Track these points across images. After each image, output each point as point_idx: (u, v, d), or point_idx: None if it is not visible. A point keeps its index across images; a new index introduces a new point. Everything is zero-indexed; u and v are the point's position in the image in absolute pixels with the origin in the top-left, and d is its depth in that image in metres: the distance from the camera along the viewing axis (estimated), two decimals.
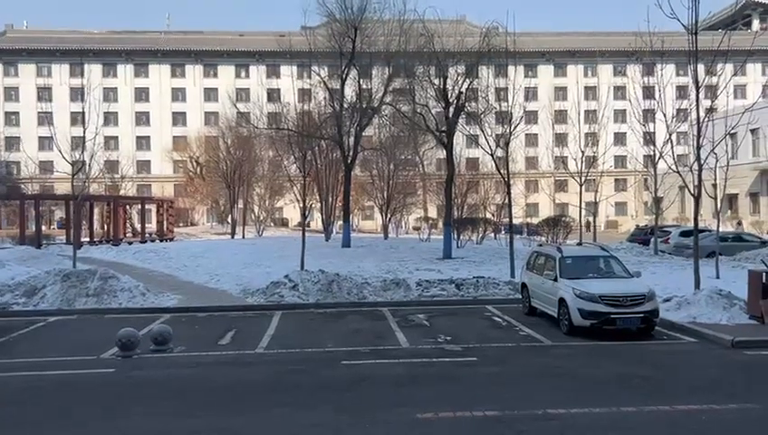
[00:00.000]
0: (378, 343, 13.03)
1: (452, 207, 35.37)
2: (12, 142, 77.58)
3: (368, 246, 36.52)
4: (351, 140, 38.34)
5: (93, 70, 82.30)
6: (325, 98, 41.34)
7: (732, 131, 38.02)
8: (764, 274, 14.41)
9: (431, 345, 12.89)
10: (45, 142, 71.12)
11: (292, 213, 72.28)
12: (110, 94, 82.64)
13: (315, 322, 15.80)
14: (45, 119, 68.37)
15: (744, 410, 8.53)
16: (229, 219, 58.32)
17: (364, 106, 38.13)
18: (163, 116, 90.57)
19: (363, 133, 40.25)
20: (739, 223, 50.94)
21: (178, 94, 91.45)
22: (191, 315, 16.93)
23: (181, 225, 70.19)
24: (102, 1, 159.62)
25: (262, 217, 60.19)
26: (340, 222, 42.45)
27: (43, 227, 49.48)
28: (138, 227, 54.73)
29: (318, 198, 47.38)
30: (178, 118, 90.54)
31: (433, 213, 61.37)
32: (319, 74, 41.20)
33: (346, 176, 39.10)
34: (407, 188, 54.32)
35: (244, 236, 52.25)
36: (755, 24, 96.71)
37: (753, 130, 52.83)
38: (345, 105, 38.43)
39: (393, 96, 37.61)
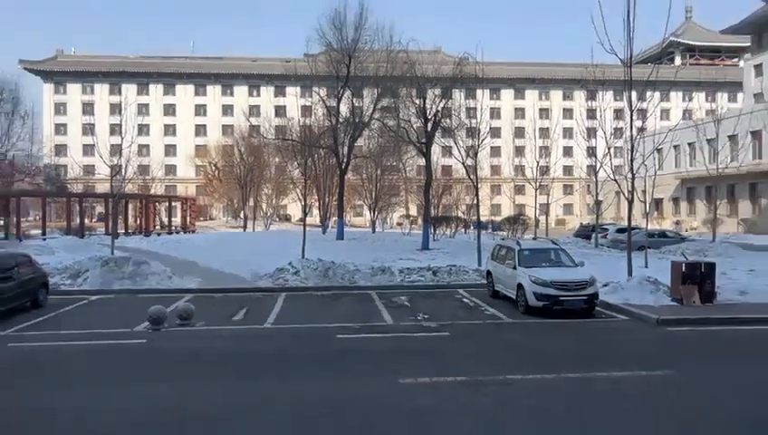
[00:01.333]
0: (367, 321, 12.96)
1: (429, 206, 35.44)
2: (60, 149, 76.70)
3: (358, 238, 36.47)
4: (345, 149, 38.37)
5: (129, 89, 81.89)
6: (324, 114, 41.40)
7: (658, 147, 38.26)
8: (683, 264, 14.52)
9: (412, 322, 12.85)
10: (88, 149, 70.26)
11: (294, 210, 71.99)
12: (143, 109, 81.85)
13: (314, 302, 15.69)
14: (89, 129, 67.84)
15: (666, 376, 8.63)
16: (241, 215, 58.10)
17: (356, 121, 38.22)
18: (187, 128, 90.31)
19: (355, 144, 40.29)
20: (677, 223, 50.61)
21: (200, 110, 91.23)
22: (210, 296, 16.76)
23: (201, 219, 69.78)
24: (136, 29, 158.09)
25: (269, 214, 59.98)
26: (335, 218, 42.33)
27: (86, 221, 48.97)
28: (165, 220, 54.37)
29: (316, 197, 47.34)
30: (200, 129, 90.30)
31: (413, 211, 61.42)
32: (319, 94, 41.19)
33: (340, 179, 39.08)
34: (391, 190, 54.38)
35: (254, 229, 52.09)
36: (677, 60, 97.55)
37: (675, 147, 53.40)
38: (340, 120, 38.48)
39: (381, 113, 37.68)
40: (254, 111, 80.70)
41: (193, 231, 50.74)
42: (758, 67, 60.31)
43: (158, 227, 51.58)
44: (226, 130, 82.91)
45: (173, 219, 54.54)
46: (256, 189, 56.36)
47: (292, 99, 62.18)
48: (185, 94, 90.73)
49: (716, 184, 36.74)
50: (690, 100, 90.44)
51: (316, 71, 39.98)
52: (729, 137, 42.09)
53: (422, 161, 36.74)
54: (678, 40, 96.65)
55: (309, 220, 30.99)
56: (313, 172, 41.85)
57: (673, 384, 8.28)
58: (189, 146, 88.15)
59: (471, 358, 9.88)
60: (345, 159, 38.33)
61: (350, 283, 18.34)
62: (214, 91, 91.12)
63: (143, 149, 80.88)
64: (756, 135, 43.12)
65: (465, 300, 15.95)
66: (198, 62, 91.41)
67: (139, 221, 50.28)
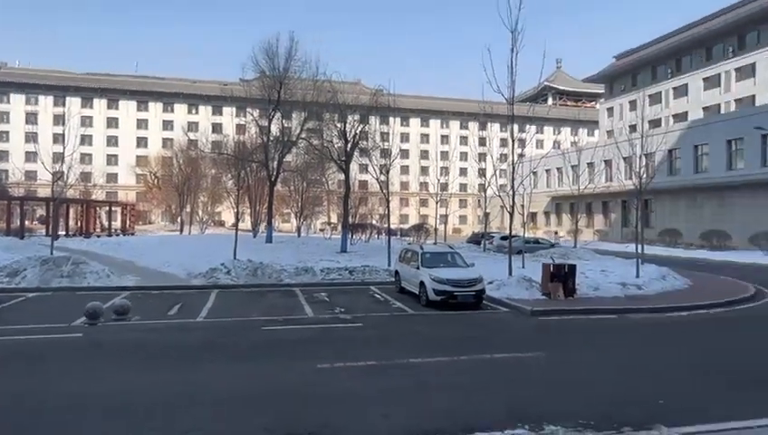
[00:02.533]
0: (290, 314, 12.65)
1: (348, 215, 35.32)
2: (2, 155, 69.87)
3: (285, 242, 35.63)
4: (275, 163, 37.51)
5: (73, 102, 75.87)
6: (256, 132, 40.32)
7: (534, 170, 40.25)
8: (552, 265, 15.17)
9: (330, 315, 12.67)
10: (31, 156, 64.46)
11: (228, 216, 69.33)
12: (86, 121, 76.37)
13: (243, 298, 15.10)
14: (31, 138, 62.13)
15: (537, 357, 9.01)
16: (179, 220, 55.18)
17: (285, 139, 37.51)
18: (129, 140, 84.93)
19: (284, 159, 39.49)
20: (556, 232, 51.47)
21: (142, 124, 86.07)
22: (146, 293, 15.69)
23: (141, 223, 65.63)
24: (83, 44, 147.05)
25: (204, 219, 57.43)
26: (265, 224, 41.21)
27: (27, 223, 44.65)
28: (105, 224, 50.55)
29: (248, 205, 45.93)
30: (141, 141, 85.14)
31: (334, 219, 61.03)
32: (252, 115, 40.12)
33: (270, 190, 38.15)
34: (315, 201, 53.83)
35: (190, 233, 49.60)
36: (550, 101, 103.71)
37: (547, 170, 56.68)
38: (271, 138, 37.61)
39: (307, 133, 37.25)
40: (193, 126, 77.17)
41: (132, 234, 47.54)
42: (610, 109, 65.43)
43: (98, 230, 47.85)
44: (167, 142, 78.72)
45: (113, 223, 50.81)
46: (193, 197, 53.78)
47: (228, 118, 60.14)
48: (128, 109, 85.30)
49: (578, 201, 39.22)
50: (559, 133, 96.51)
51: (250, 94, 38.96)
52: (588, 164, 45.22)
53: (342, 176, 36.66)
54: (551, 85, 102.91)
55: (241, 226, 29.89)
56: (246, 183, 40.58)
57: (542, 361, 8.71)
58: (131, 156, 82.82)
59: (379, 345, 9.90)
60: (275, 173, 37.49)
61: (276, 281, 17.86)
62: (155, 107, 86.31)
63: (86, 158, 75.17)
64: (608, 163, 46.63)
65: (376, 295, 15.95)
66: (142, 81, 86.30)
67: (79, 224, 46.50)
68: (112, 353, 9.03)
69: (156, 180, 67.87)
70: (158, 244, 32.67)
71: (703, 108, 52.13)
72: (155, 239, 39.35)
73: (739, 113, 41.26)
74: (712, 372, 8.19)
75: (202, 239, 38.88)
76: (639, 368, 8.45)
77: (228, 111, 71.58)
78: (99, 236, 40.97)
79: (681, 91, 55.32)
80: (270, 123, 37.57)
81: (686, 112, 53.31)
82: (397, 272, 16.91)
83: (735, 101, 49.01)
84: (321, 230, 57.65)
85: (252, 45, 74.14)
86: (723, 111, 48.19)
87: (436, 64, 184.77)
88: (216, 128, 75.48)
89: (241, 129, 44.87)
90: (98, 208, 52.26)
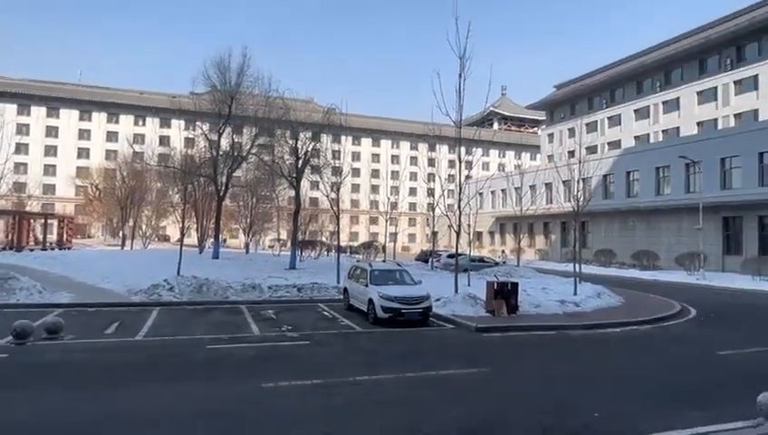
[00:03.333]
0: (236, 332, 12.22)
1: (297, 231, 34.87)
2: None
3: (232, 258, 34.68)
4: (224, 178, 36.57)
5: (8, 109, 71.45)
6: (205, 146, 39.13)
7: (480, 191, 41.17)
8: (495, 283, 15.53)
9: (276, 333, 12.33)
10: None
11: (173, 231, 66.87)
12: (23, 129, 72.01)
13: (187, 316, 14.48)
14: None
15: (481, 372, 9.12)
16: (120, 234, 52.58)
17: (235, 154, 36.64)
18: (69, 150, 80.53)
19: (233, 174, 38.58)
20: (503, 252, 52.24)
21: (84, 134, 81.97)
22: (82, 310, 14.74)
23: (79, 237, 62.04)
24: (22, 50, 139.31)
25: (148, 233, 54.99)
26: (212, 239, 39.98)
27: None
28: (40, 237, 47.46)
29: (195, 220, 44.47)
30: (83, 152, 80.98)
31: (284, 235, 60.01)
32: (202, 128, 39.08)
33: (218, 205, 37.11)
34: (265, 217, 52.80)
35: (132, 248, 47.38)
36: (495, 126, 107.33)
37: (492, 192, 58.32)
38: (220, 153, 36.65)
39: (258, 149, 36.60)
40: (139, 138, 74.26)
41: (69, 248, 44.84)
42: (550, 135, 68.40)
43: (32, 243, 44.85)
44: (110, 154, 75.21)
45: (49, 236, 47.75)
46: (137, 211, 51.44)
47: (177, 131, 58.25)
48: (69, 118, 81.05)
49: (521, 222, 40.52)
50: (504, 156, 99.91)
51: (200, 108, 38.04)
52: (530, 187, 46.92)
53: (293, 193, 36.25)
54: (496, 110, 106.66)
55: (187, 241, 28.90)
56: (193, 198, 39.37)
57: (486, 377, 8.82)
58: (71, 167, 78.48)
59: (327, 363, 9.72)
60: (223, 188, 36.55)
61: (222, 298, 17.25)
62: (99, 117, 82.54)
63: (21, 168, 70.80)
64: (548, 186, 48.55)
65: (324, 313, 15.71)
66: (85, 90, 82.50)
67: (10, 236, 43.46)
68: (39, 375, 8.41)
69: (97, 193, 64.61)
70: (96, 258, 30.98)
71: (634, 137, 55.45)
72: (94, 254, 37.32)
73: (666, 143, 44.18)
74: (642, 386, 8.55)
75: (144, 254, 37.20)
76: (577, 382, 8.71)
77: (177, 123, 69.52)
78: (32, 250, 38.39)
79: (615, 121, 58.68)
80: (220, 137, 36.71)
81: (620, 140, 56.52)
82: (345, 289, 16.75)
83: (662, 131, 52.46)
84: (270, 247, 56.52)
85: (203, 59, 72.87)
86: (652, 141, 51.44)
87: (389, 86, 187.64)
88: (164, 140, 72.99)
89: (190, 142, 43.50)
90: (32, 220, 49.09)
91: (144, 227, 54.74)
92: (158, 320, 13.59)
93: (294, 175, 31.58)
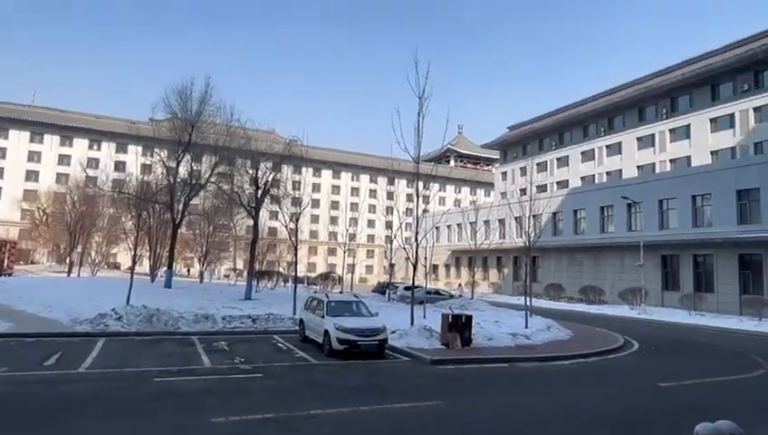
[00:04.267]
0: (186, 364, 11.70)
1: (254, 261, 34.10)
2: None
3: (186, 288, 33.41)
4: (181, 206, 35.57)
5: None
6: (163, 173, 38.03)
7: (436, 225, 41.67)
8: (450, 316, 15.55)
9: (229, 365, 11.90)
10: None
11: (124, 258, 64.07)
12: None
13: (135, 347, 13.76)
14: None
15: (434, 405, 9.05)
16: (68, 260, 49.82)
17: (193, 182, 35.80)
18: (17, 172, 76.52)
19: (191, 202, 37.61)
20: (459, 285, 51.80)
21: (34, 156, 78.22)
22: (20, 340, 13.75)
23: (22, 263, 58.38)
24: None
25: (97, 261, 52.36)
26: (165, 268, 38.49)
27: None
28: None
29: (148, 247, 42.79)
30: (32, 175, 77.09)
31: (240, 265, 58.65)
32: (160, 155, 38.05)
33: (173, 233, 35.87)
34: (221, 246, 51.42)
35: (79, 275, 44.94)
36: (452, 162, 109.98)
37: (448, 226, 59.23)
38: (178, 180, 35.73)
39: (217, 177, 35.85)
40: (93, 163, 71.55)
41: (10, 274, 42.07)
42: (504, 174, 70.60)
43: None
44: (61, 178, 72.07)
45: None
46: (86, 237, 49.05)
47: (133, 156, 56.56)
48: (19, 139, 77.37)
49: (475, 256, 41.25)
50: (459, 192, 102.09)
51: (159, 134, 37.14)
52: (485, 222, 48.01)
53: (251, 222, 35.62)
54: (453, 148, 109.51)
55: (139, 269, 27.76)
56: (147, 225, 38.00)
57: (439, 410, 8.75)
58: (17, 190, 74.50)
59: (279, 396, 9.42)
60: (179, 215, 35.48)
61: (173, 329, 16.52)
62: (52, 140, 79.12)
63: None
64: (502, 222, 49.83)
65: (279, 344, 15.31)
66: (38, 111, 79.28)
67: None
68: None
69: (45, 217, 61.39)
70: (39, 286, 29.16)
71: (581, 177, 58.01)
72: (37, 281, 35.16)
73: (609, 184, 46.43)
74: (589, 418, 8.72)
75: (92, 282, 35.31)
76: (527, 414, 8.80)
77: (134, 149, 67.62)
78: None
79: (563, 162, 61.33)
80: (178, 165, 35.86)
81: (568, 180, 58.97)
82: (301, 320, 16.42)
83: (606, 173, 55.17)
84: (226, 276, 55.01)
85: (165, 86, 71.94)
86: (596, 182, 53.95)
87: (351, 120, 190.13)
88: (120, 166, 70.68)
89: (147, 168, 42.34)
90: None
91: (93, 253, 52.19)
92: (103, 351, 12.86)
93: (253, 204, 31.13)
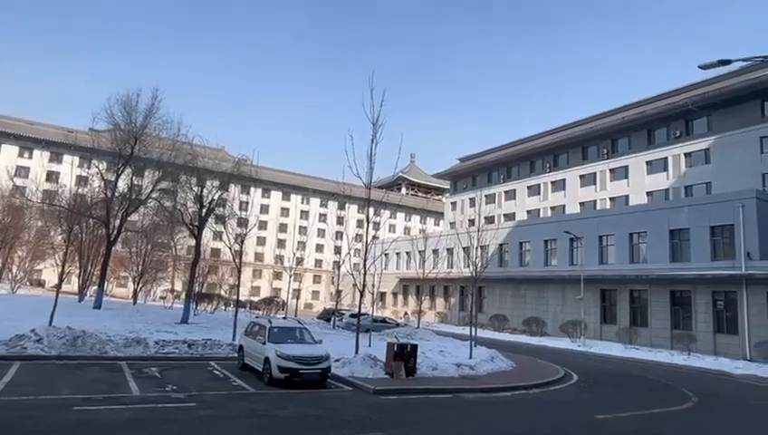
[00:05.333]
0: (111, 392, 10.95)
1: (194, 283, 32.91)
2: None
3: (117, 309, 31.65)
4: (117, 222, 33.94)
5: None
6: (100, 186, 36.21)
7: (386, 252, 41.76)
8: (396, 344, 15.53)
9: (159, 393, 11.25)
10: None
11: (50, 275, 59.90)
12: None
13: (55, 372, 12.78)
14: None
15: None
16: None
17: (133, 197, 34.33)
18: None
19: (129, 218, 35.95)
20: (405, 314, 51.84)
21: None
22: None
23: None
24: None
25: (18, 277, 48.71)
26: (96, 287, 36.34)
27: None
28: None
29: (78, 264, 40.33)
30: None
31: (179, 287, 56.26)
32: (98, 167, 36.26)
33: (107, 250, 34.06)
34: (159, 265, 49.34)
35: None
36: (404, 190, 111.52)
37: (397, 253, 59.57)
38: (117, 194, 34.18)
39: (159, 193, 34.60)
40: (23, 171, 67.38)
41: None
42: (453, 204, 72.18)
43: None
44: None
45: None
46: (7, 251, 45.68)
47: (68, 166, 53.64)
48: None
49: (423, 284, 41.57)
50: (410, 220, 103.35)
51: (99, 145, 35.53)
52: (433, 251, 48.66)
53: (193, 242, 34.43)
54: (405, 176, 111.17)
55: (67, 288, 26.02)
56: (79, 240, 35.94)
57: None
58: None
59: (212, 427, 8.96)
60: (116, 232, 33.81)
61: (100, 353, 15.47)
62: None
63: None
64: (450, 252, 50.63)
65: (216, 372, 14.68)
66: None
67: None
68: None
69: None
70: None
71: (527, 211, 60.21)
72: None
73: (553, 218, 48.41)
74: None
75: (11, 301, 32.77)
76: None
77: (69, 159, 64.21)
78: None
79: (511, 195, 63.53)
80: (118, 178, 34.32)
81: (514, 213, 61.02)
82: (241, 347, 15.87)
83: (551, 208, 57.57)
84: (162, 298, 52.51)
85: (108, 96, 69.03)
86: (542, 216, 56.13)
87: (304, 142, 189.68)
88: (53, 176, 66.83)
89: (83, 180, 40.20)
90: None
91: (15, 269, 48.58)
92: (18, 376, 11.86)
93: (196, 223, 30.19)
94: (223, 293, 46.93)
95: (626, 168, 50.60)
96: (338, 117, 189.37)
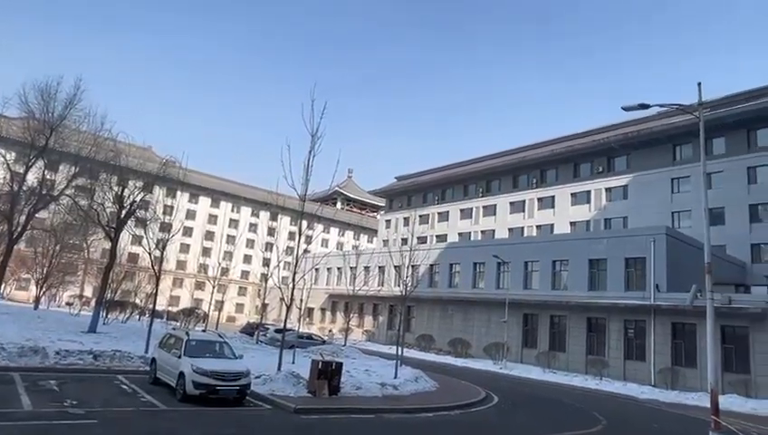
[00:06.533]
0: None
1: (106, 289, 30.84)
2: None
3: (14, 314, 28.99)
4: (22, 217, 31.20)
5: None
6: (5, 177, 33.19)
7: (316, 267, 41.31)
8: (320, 362, 15.27)
9: (56, 409, 10.31)
10: None
11: None
12: None
13: None
14: None
15: None
16: None
17: (44, 193, 31.74)
18: None
19: (37, 215, 33.16)
20: (330, 331, 51.21)
21: None
22: None
23: None
24: None
25: None
26: None
27: None
28: None
29: None
30: None
31: (89, 292, 52.42)
32: (5, 157, 33.31)
33: (8, 248, 31.16)
34: (68, 268, 45.85)
35: None
36: (339, 205, 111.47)
37: (328, 269, 59.06)
38: (24, 188, 31.44)
39: (74, 190, 32.24)
40: None
41: None
42: (388, 221, 72.91)
43: None
44: None
45: None
46: None
47: None
48: None
49: (352, 301, 41.37)
50: (343, 235, 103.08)
51: (9, 133, 32.74)
52: (365, 268, 48.65)
53: (109, 245, 32.34)
54: (341, 191, 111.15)
55: None
56: None
57: None
58: None
59: None
60: (20, 229, 31.06)
61: None
62: None
63: None
64: (382, 269, 50.91)
65: (123, 386, 13.75)
66: None
67: None
68: None
69: None
70: None
71: (458, 233, 61.93)
72: None
73: (483, 242, 50.11)
74: None
75: None
76: None
77: None
78: None
79: (444, 217, 65.15)
80: (27, 170, 31.59)
81: (446, 235, 62.56)
82: (153, 359, 15.00)
83: (482, 231, 59.60)
84: (69, 304, 48.71)
85: (24, 82, 63.81)
86: (472, 238, 57.93)
87: (238, 149, 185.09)
88: None
89: None
90: None
91: None
92: None
93: (114, 225, 28.43)
94: (138, 301, 44.24)
95: (553, 197, 53.52)
96: (276, 127, 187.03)
